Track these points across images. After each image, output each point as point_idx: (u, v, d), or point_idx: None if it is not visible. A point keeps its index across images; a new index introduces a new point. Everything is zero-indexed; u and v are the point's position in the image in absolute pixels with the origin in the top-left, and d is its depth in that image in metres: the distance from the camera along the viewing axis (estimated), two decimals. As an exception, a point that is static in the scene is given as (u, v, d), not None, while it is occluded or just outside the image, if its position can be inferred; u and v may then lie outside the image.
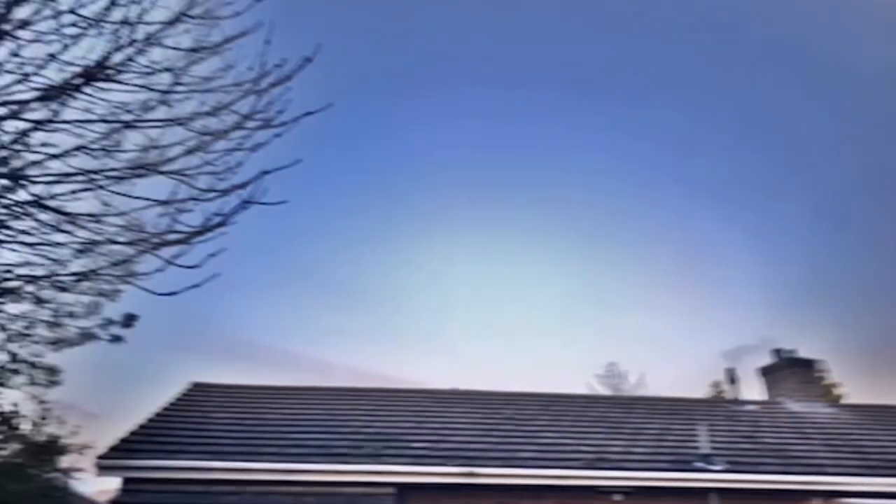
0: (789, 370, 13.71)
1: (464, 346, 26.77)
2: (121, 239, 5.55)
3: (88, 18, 5.12)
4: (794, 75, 19.21)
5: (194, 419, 10.70)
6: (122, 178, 5.17)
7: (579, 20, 18.36)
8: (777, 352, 14.05)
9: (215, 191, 5.53)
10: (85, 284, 6.86)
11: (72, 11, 5.42)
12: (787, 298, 24.96)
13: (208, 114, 5.84)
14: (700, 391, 28.02)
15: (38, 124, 5.27)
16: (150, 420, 10.52)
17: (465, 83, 19.09)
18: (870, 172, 20.36)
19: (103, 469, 8.98)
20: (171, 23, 5.76)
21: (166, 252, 5.16)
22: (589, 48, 18.70)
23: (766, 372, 14.40)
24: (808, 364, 13.87)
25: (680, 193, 22.06)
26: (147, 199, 5.66)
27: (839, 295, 25.02)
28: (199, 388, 12.66)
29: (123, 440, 9.48)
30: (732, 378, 13.63)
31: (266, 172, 5.26)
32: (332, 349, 27.63)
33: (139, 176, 5.17)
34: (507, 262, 23.06)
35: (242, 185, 5.40)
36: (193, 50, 5.79)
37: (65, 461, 9.68)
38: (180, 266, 5.20)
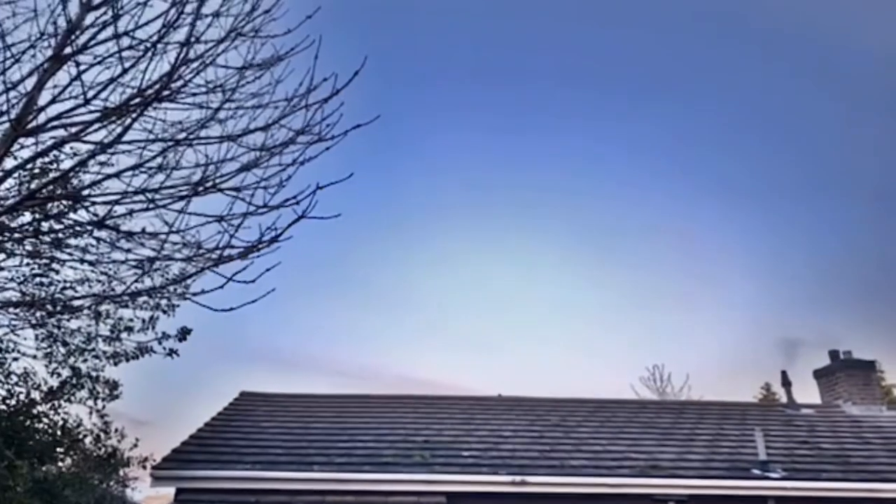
0: (846, 372, 13.26)
1: (504, 350, 26.67)
2: (178, 256, 5.62)
3: (145, 41, 5.21)
4: (798, 64, 18.74)
5: (244, 429, 10.84)
6: (178, 196, 5.24)
7: (577, 11, 18.16)
8: (833, 353, 13.61)
9: (268, 206, 5.56)
10: (142, 300, 6.98)
11: (127, 34, 5.54)
12: (834, 295, 24.28)
13: (260, 129, 5.89)
14: (748, 392, 27.44)
15: (97, 146, 5.38)
16: (202, 430, 10.69)
17: (468, 81, 19.07)
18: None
19: (158, 479, 9.15)
20: (223, 41, 5.84)
21: (224, 268, 5.21)
22: (589, 40, 18.52)
23: (820, 374, 13.97)
24: (866, 365, 13.39)
25: (701, 189, 21.67)
26: (203, 214, 5.71)
27: (888, 292, 24.20)
28: (246, 398, 12.84)
29: (176, 451, 9.64)
30: (786, 381, 13.26)
31: (320, 187, 5.26)
32: (373, 355, 27.82)
33: (196, 194, 5.24)
34: (545, 266, 22.92)
35: (296, 200, 5.42)
36: (244, 67, 5.85)
37: (123, 472, 9.91)
38: (238, 282, 5.25)
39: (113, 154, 5.48)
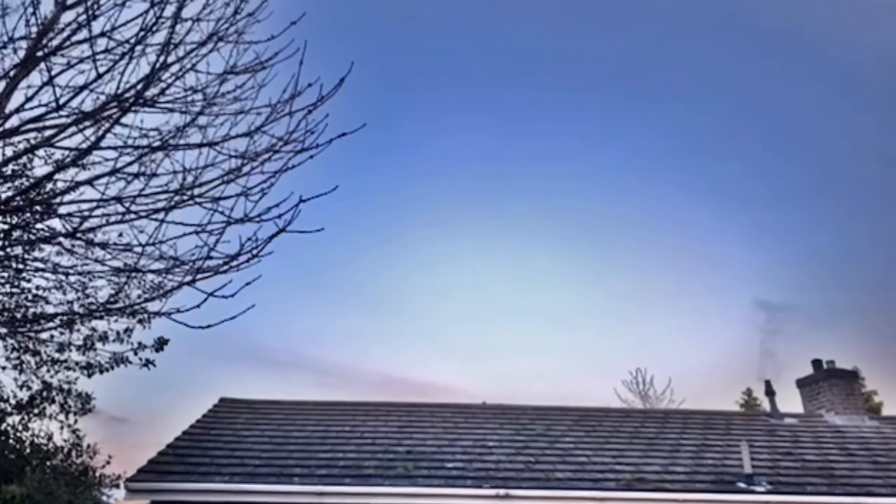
0: (829, 382, 13.27)
1: (491, 352, 26.58)
2: (155, 267, 5.41)
3: (123, 43, 4.99)
4: (797, 64, 18.79)
5: (223, 438, 10.59)
6: (154, 209, 5.02)
7: (577, 13, 18.09)
8: (816, 362, 13.63)
9: (249, 218, 5.36)
10: (117, 308, 6.74)
11: (104, 34, 5.31)
12: (813, 302, 24.39)
13: (242, 136, 5.69)
14: (730, 397, 27.55)
15: (71, 152, 5.15)
16: (179, 439, 10.43)
17: (470, 83, 18.96)
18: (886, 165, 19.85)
19: (132, 492, 8.87)
20: (204, 44, 5.62)
21: (203, 284, 5.00)
22: (589, 43, 18.47)
23: (803, 383, 13.98)
24: (848, 375, 13.42)
25: (696, 193, 21.67)
26: (182, 223, 5.50)
27: (866, 298, 24.30)
28: (226, 405, 12.57)
29: (152, 461, 9.38)
30: (770, 390, 13.25)
31: (303, 200, 5.07)
32: (356, 353, 27.56)
33: (175, 206, 5.02)
34: (535, 269, 22.86)
35: (278, 214, 5.21)
36: (226, 72, 5.64)
37: (95, 487, 9.61)
38: (218, 296, 5.04)
39: (88, 162, 5.25)
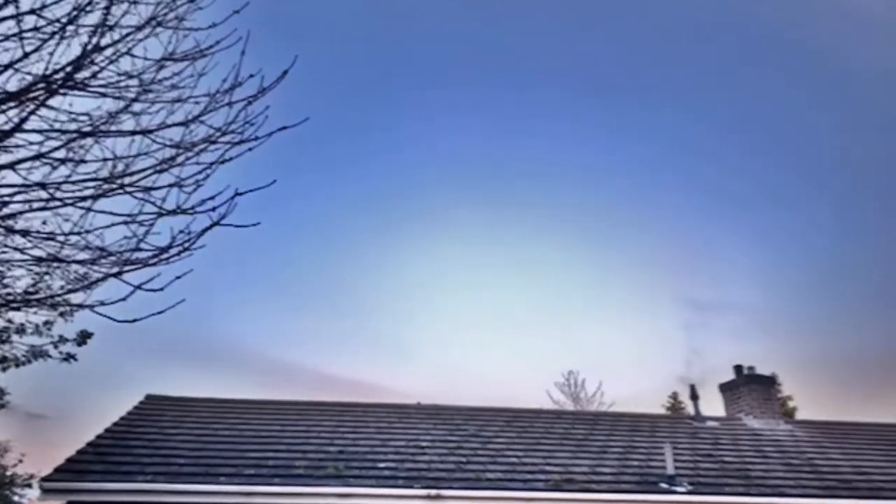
0: (749, 387, 13.92)
1: (427, 350, 26.62)
2: (79, 257, 5.18)
3: (53, 21, 4.76)
4: (802, 77, 19.41)
5: (148, 436, 10.23)
6: (81, 197, 4.81)
7: (582, 18, 18.36)
8: (738, 368, 14.27)
9: (182, 210, 5.20)
10: (37, 298, 6.42)
11: (32, 11, 5.06)
12: (747, 305, 25.35)
13: (179, 125, 5.52)
14: (658, 399, 28.49)
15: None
16: (101, 437, 10.02)
17: (465, 82, 19.00)
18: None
19: (47, 492, 8.47)
20: (142, 28, 5.43)
21: (130, 276, 4.82)
22: (593, 48, 18.73)
23: (725, 388, 14.61)
24: (766, 381, 14.13)
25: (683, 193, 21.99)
26: (111, 213, 5.30)
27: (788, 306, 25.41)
28: (152, 401, 12.16)
29: (70, 460, 8.98)
30: (694, 394, 13.77)
31: (239, 193, 4.97)
32: (298, 352, 27.10)
33: (103, 194, 4.83)
34: (471, 267, 23.00)
35: (213, 206, 5.08)
36: (164, 59, 5.46)
37: (7, 486, 9.10)
38: (144, 289, 4.87)
39: (9, 144, 4.99)
